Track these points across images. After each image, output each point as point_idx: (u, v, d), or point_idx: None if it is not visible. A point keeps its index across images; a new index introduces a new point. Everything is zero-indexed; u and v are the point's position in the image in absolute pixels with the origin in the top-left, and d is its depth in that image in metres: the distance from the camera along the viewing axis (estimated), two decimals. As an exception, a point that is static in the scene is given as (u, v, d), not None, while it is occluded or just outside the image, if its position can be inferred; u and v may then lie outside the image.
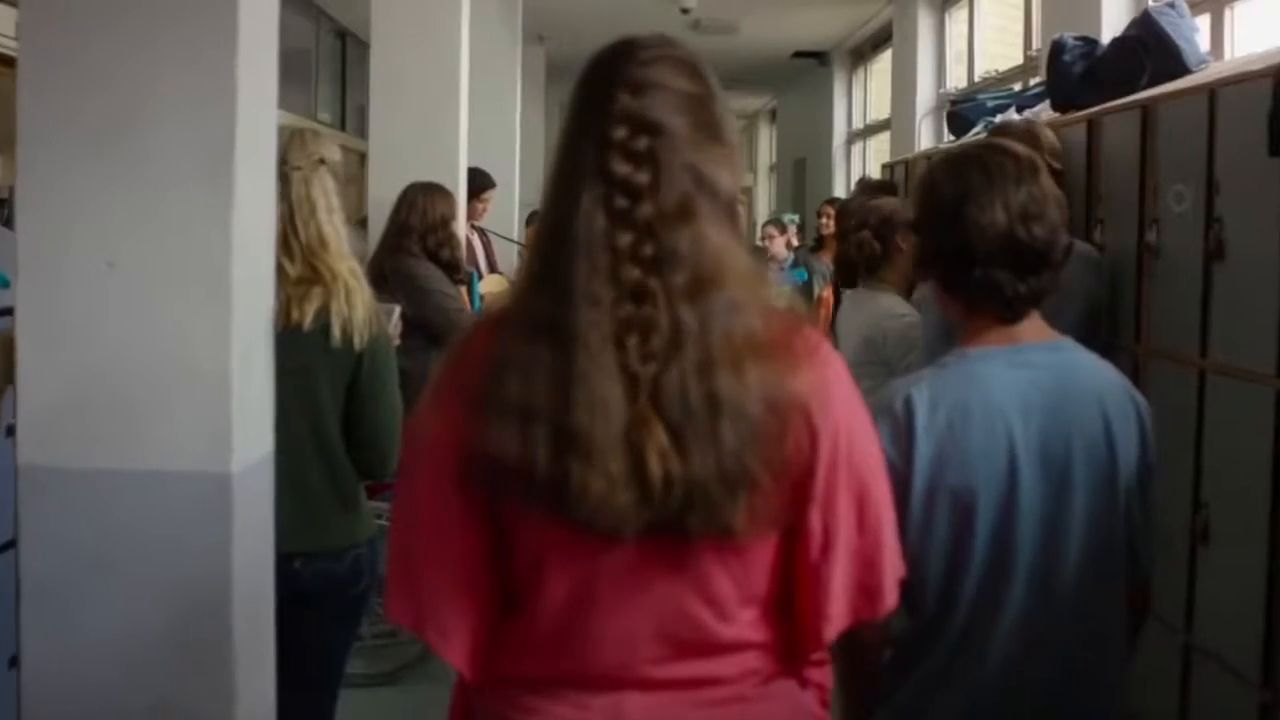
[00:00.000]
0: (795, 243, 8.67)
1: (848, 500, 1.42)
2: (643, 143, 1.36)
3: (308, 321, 2.61)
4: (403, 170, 5.20)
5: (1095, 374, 1.94)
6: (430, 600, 1.45)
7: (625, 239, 1.35)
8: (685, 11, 9.43)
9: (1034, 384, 1.87)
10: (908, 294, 3.81)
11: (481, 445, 1.34)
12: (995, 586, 1.85)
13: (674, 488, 1.33)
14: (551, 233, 1.38)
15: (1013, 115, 4.74)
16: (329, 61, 10.20)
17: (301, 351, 2.61)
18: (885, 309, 3.69)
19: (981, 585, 1.85)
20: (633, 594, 1.40)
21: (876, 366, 3.58)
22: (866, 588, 1.44)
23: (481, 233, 7.39)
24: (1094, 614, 1.90)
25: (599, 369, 1.32)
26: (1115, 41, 3.96)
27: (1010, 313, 1.90)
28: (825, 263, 7.85)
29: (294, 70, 9.20)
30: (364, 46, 6.07)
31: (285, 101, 8.61)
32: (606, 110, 1.38)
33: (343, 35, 10.34)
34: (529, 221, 9.01)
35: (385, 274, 5.00)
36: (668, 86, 1.39)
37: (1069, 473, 1.86)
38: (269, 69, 2.40)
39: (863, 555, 1.43)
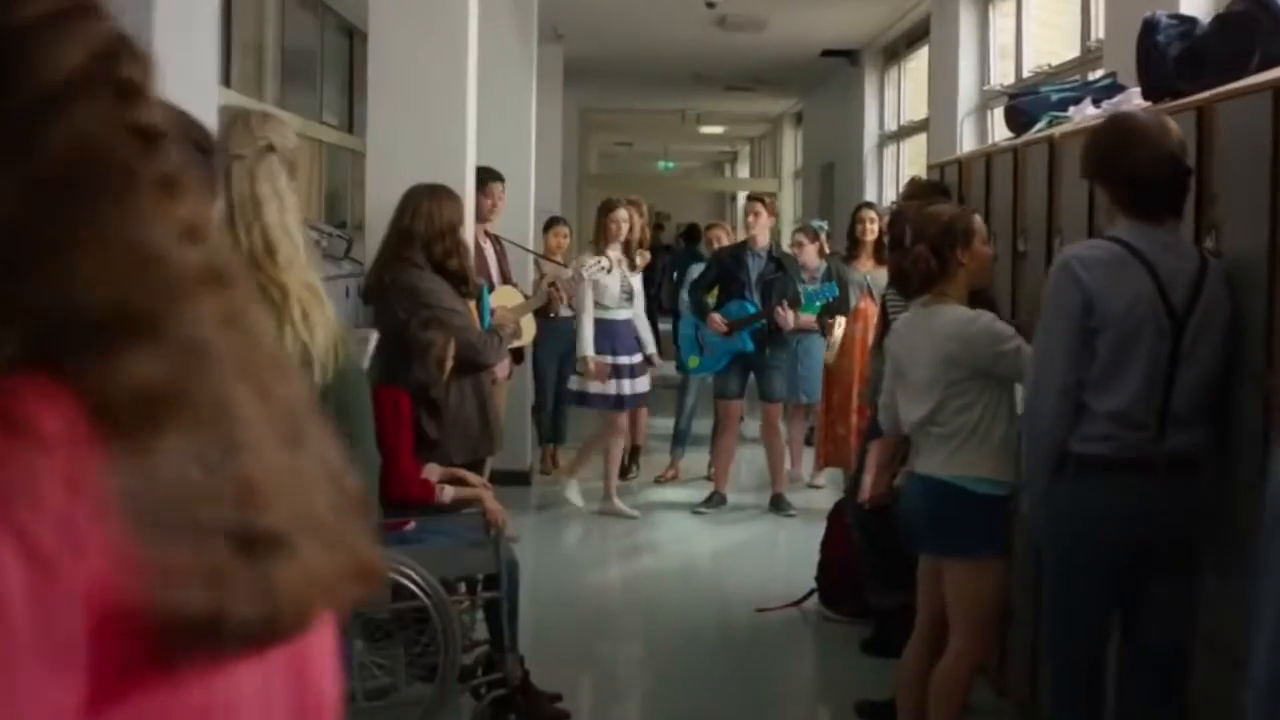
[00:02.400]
0: (827, 250, 8.25)
1: None
2: None
3: (257, 353, 2.10)
4: (404, 172, 4.77)
5: None
6: None
7: None
8: (711, 6, 8.90)
9: None
10: (970, 305, 3.61)
11: None
12: None
13: None
14: None
15: (1088, 108, 4.24)
16: (335, 61, 9.74)
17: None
18: (958, 319, 3.49)
19: None
20: None
21: (969, 381, 3.42)
22: None
23: (495, 240, 6.92)
24: None
25: None
26: (1219, 19, 3.47)
27: None
28: (860, 271, 7.42)
29: (299, 72, 8.74)
30: (372, 43, 5.59)
31: (290, 104, 8.21)
32: None
33: (350, 32, 9.88)
34: (547, 228, 8.54)
35: (386, 286, 4.58)
36: None
37: None
38: (206, 48, 2.11)
39: None
